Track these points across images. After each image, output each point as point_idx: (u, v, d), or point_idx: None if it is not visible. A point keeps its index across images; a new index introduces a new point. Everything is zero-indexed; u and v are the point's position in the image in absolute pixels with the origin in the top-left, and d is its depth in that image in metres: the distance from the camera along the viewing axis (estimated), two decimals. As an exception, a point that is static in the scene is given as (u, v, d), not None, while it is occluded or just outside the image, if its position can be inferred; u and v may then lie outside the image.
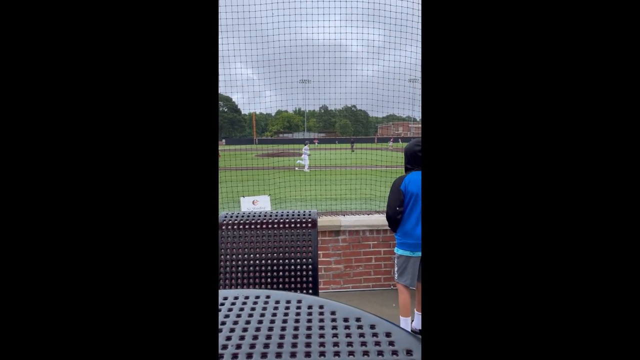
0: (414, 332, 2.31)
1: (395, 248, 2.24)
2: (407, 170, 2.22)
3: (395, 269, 2.25)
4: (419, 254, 2.16)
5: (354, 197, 6.65)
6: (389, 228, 2.27)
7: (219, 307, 0.55)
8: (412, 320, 2.30)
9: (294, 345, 0.45)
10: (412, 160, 2.17)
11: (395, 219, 2.14)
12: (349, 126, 74.10)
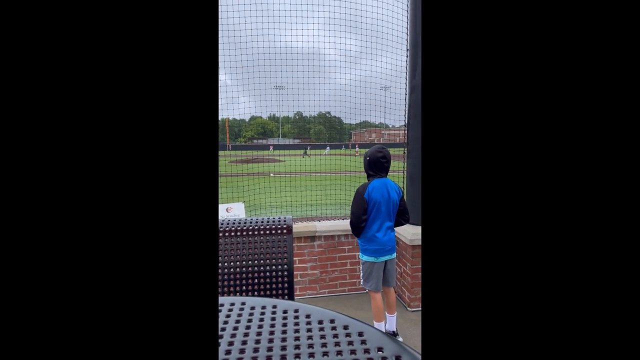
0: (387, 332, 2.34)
1: (360, 254, 2.29)
2: (369, 176, 2.26)
3: (361, 274, 2.29)
4: (383, 259, 2.22)
5: (329, 203, 6.68)
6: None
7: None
8: (386, 324, 2.34)
9: (270, 349, 0.45)
10: (374, 167, 2.21)
11: (359, 227, 2.19)
12: (323, 132, 74.48)
